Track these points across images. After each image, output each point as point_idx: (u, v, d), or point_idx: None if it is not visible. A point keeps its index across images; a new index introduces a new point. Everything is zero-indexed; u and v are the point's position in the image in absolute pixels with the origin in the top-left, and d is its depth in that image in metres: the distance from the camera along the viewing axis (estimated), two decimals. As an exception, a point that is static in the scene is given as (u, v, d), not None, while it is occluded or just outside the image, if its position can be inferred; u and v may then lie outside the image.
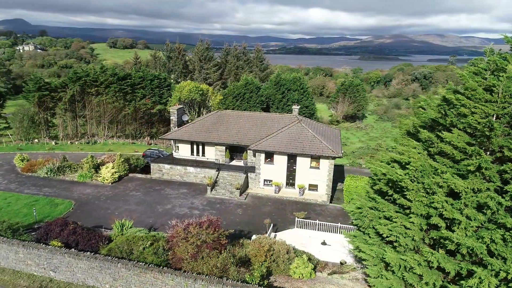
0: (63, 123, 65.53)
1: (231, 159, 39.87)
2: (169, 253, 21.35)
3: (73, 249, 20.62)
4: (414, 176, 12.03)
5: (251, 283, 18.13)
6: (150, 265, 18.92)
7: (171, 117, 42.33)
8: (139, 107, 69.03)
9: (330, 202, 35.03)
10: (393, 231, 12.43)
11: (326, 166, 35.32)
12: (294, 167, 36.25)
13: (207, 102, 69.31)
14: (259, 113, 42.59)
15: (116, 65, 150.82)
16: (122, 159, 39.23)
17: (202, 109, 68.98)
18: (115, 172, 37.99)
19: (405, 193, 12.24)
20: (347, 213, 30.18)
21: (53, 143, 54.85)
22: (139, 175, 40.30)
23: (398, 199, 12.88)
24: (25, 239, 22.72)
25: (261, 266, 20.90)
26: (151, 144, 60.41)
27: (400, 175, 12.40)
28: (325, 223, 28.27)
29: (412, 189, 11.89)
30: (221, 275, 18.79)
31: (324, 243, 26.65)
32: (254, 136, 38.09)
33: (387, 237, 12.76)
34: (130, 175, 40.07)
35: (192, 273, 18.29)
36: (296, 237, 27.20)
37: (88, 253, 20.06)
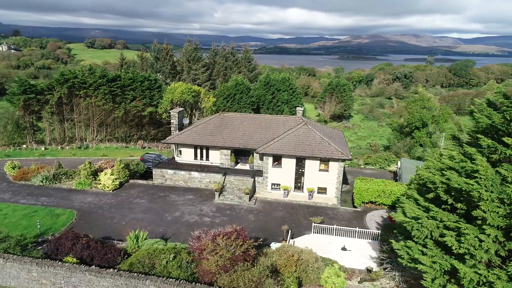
0: (50, 127, 62.76)
1: (236, 163, 38.89)
2: (193, 265, 20.30)
3: (93, 266, 19.23)
4: (485, 185, 11.55)
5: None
6: (182, 281, 17.84)
7: (171, 121, 40.97)
8: (130, 109, 66.91)
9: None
10: (465, 243, 11.92)
11: (336, 169, 34.89)
12: (303, 170, 35.64)
13: (199, 104, 67.93)
14: (263, 115, 41.77)
15: (101, 66, 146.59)
16: (123, 165, 37.62)
17: (194, 111, 67.57)
18: (116, 179, 36.38)
19: (477, 203, 11.71)
20: (358, 215, 29.98)
21: (43, 148, 52.30)
22: (140, 181, 38.78)
23: (462, 209, 12.37)
24: (35, 256, 21.13)
25: (290, 276, 20.14)
26: (145, 147, 58.58)
27: (469, 184, 11.88)
28: (344, 227, 27.78)
29: (487, 199, 11.40)
30: (256, 288, 17.91)
31: (344, 249, 26.14)
32: (260, 138, 37.26)
33: (455, 249, 12.23)
34: (131, 181, 38.51)
35: (228, 288, 17.33)
36: (314, 243, 26.52)
37: (111, 269, 18.74)
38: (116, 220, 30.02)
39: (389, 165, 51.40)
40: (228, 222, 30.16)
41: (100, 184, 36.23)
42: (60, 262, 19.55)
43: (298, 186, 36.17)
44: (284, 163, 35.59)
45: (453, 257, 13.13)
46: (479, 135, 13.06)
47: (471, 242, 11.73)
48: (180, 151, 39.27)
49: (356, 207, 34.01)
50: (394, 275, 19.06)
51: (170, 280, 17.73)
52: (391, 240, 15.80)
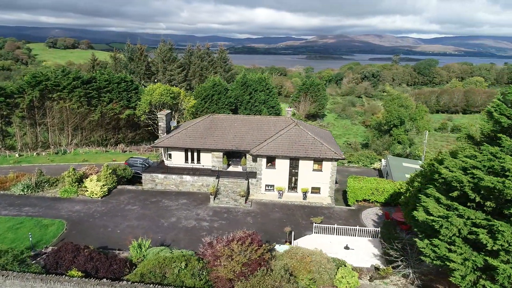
0: (21, 132, 59.42)
1: (228, 165, 38.42)
2: (205, 273, 19.79)
3: (104, 280, 18.29)
4: (517, 183, 11.99)
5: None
6: None
7: (159, 123, 39.87)
8: (107, 112, 64.58)
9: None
10: (500, 240, 12.31)
11: (329, 168, 35.28)
12: (296, 171, 35.76)
13: (179, 105, 66.71)
14: (253, 116, 41.55)
15: (65, 66, 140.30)
16: (110, 170, 36.18)
17: (174, 112, 66.26)
18: (104, 185, 34.93)
19: (508, 200, 12.12)
20: (354, 214, 30.32)
21: (17, 155, 49.35)
22: (129, 187, 37.46)
23: (490, 206, 12.79)
24: (34, 271, 19.83)
25: (304, 279, 20.10)
26: (126, 151, 56.72)
27: (500, 182, 12.27)
28: (346, 227, 28.10)
29: (522, 197, 11.83)
30: (275, 293, 17.71)
31: (347, 248, 26.44)
32: (252, 140, 37.02)
33: (490, 246, 12.61)
34: (119, 187, 37.11)
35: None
36: (317, 243, 26.57)
37: (124, 282, 17.90)
38: (110, 229, 28.80)
39: (371, 163, 52.61)
40: (227, 226, 29.80)
41: (87, 191, 34.66)
42: (65, 277, 18.44)
43: (292, 186, 36.26)
44: (278, 164, 35.55)
45: (482, 253, 13.60)
46: (500, 135, 13.55)
47: (508, 238, 12.15)
48: (170, 154, 38.30)
49: (350, 206, 34.52)
50: (409, 272, 19.47)
51: (190, 289, 17.19)
52: (415, 239, 16.07)
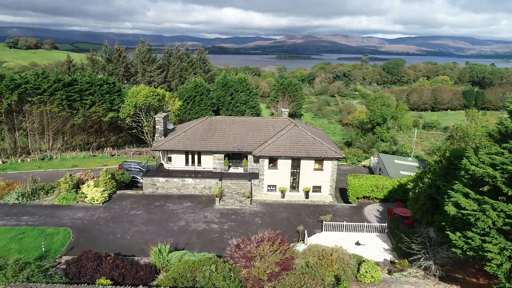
0: (-2, 138, 56.61)
1: (228, 166, 38.52)
2: (232, 274, 19.97)
3: (141, 286, 18.07)
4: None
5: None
6: None
7: (156, 126, 39.41)
8: (89, 115, 62.70)
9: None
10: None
11: (330, 167, 36.23)
12: (298, 171, 36.46)
13: (164, 107, 65.91)
14: (251, 117, 41.90)
15: (29, 67, 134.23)
16: (109, 175, 35.37)
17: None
18: (104, 191, 34.12)
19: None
20: (356, 211, 31.13)
21: (0, 162, 46.99)
22: (129, 192, 36.78)
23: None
24: (59, 281, 19.26)
25: (330, 275, 20.74)
26: (114, 155, 55.35)
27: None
28: (353, 223, 29.06)
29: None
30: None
31: (358, 244, 27.38)
32: (253, 141, 37.35)
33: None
34: (118, 192, 36.36)
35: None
36: (329, 240, 27.35)
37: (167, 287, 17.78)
38: (119, 235, 28.27)
39: (358, 161, 54.28)
40: (237, 227, 30.03)
41: (87, 197, 33.75)
42: (98, 286, 18.08)
43: (294, 186, 36.92)
44: (280, 165, 36.10)
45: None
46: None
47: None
48: (170, 157, 37.90)
49: (351, 203, 35.61)
50: (429, 264, 20.55)
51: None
52: (447, 232, 17.05)
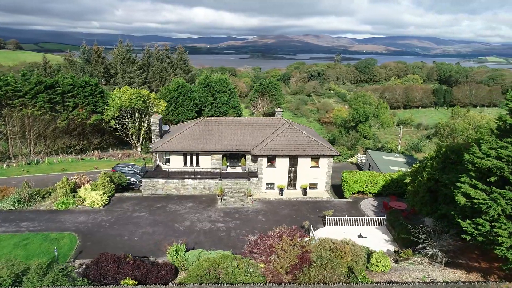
0: (-24, 143, 54.31)
1: (227, 166, 39.05)
2: (252, 269, 20.71)
3: (170, 284, 18.46)
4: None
5: (365, 283, 19.08)
6: (272, 285, 18.30)
7: (152, 128, 39.38)
8: (73, 118, 61.24)
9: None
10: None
11: (325, 165, 37.55)
12: (295, 168, 37.53)
13: (149, 109, 65.47)
14: (247, 118, 42.58)
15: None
16: (108, 178, 35.11)
17: (144, 116, 64.96)
18: (103, 194, 33.87)
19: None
20: (353, 205, 32.42)
21: (-16, 168, 45.26)
22: (128, 194, 36.62)
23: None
24: (82, 284, 19.33)
25: (343, 267, 21.85)
26: (102, 158, 54.45)
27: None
28: (354, 217, 30.43)
29: None
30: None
31: (360, 236, 28.73)
32: (250, 141, 38.09)
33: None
34: (117, 195, 36.15)
35: (319, 283, 18.37)
36: (332, 234, 28.53)
37: (192, 285, 18.25)
38: (126, 237, 28.29)
39: (344, 158, 56.16)
40: (242, 226, 30.71)
41: (86, 201, 33.40)
42: (126, 286, 18.33)
43: (292, 183, 37.97)
44: (278, 163, 37.04)
45: (523, 227, 16.38)
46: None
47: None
48: (168, 159, 37.99)
49: (346, 198, 37.05)
50: (435, 251, 22.08)
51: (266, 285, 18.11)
52: (458, 220, 18.50)
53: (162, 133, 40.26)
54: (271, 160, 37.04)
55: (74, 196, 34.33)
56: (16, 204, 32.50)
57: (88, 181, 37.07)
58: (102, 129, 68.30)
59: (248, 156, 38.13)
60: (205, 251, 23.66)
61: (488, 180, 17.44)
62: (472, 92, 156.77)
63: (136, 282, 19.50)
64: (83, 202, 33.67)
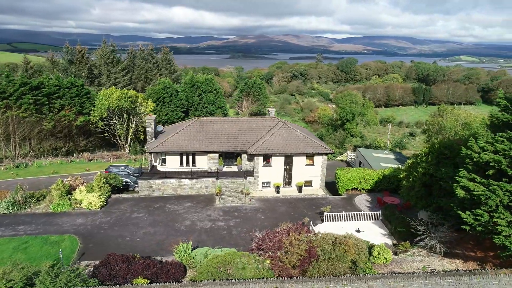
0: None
1: (222, 166, 39.36)
2: (260, 265, 21.20)
3: (185, 280, 18.73)
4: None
5: (372, 274, 19.88)
6: (285, 279, 18.83)
7: (147, 128, 39.30)
8: (59, 119, 60.15)
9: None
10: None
11: (320, 162, 38.41)
12: (291, 167, 38.22)
13: (137, 109, 65.01)
14: (241, 117, 43.02)
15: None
16: (104, 180, 34.87)
17: (131, 117, 64.45)
18: (100, 195, 33.65)
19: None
20: (348, 201, 33.34)
21: (-30, 171, 43.97)
22: (124, 195, 36.46)
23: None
24: (94, 285, 19.36)
25: (347, 260, 22.62)
26: (92, 160, 53.74)
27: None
28: (352, 213, 31.37)
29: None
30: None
31: (358, 231, 29.66)
32: (246, 140, 38.53)
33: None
34: (113, 196, 35.93)
35: (328, 276, 19.03)
36: (331, 229, 29.21)
37: (206, 281, 18.56)
38: (128, 238, 28.28)
39: (334, 156, 57.30)
40: (243, 224, 31.17)
41: (82, 203, 33.12)
42: (140, 285, 18.52)
43: (287, 181, 38.64)
44: (274, 162, 37.66)
45: (519, 216, 17.51)
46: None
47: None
48: (164, 159, 37.99)
49: (341, 194, 38.00)
50: (433, 243, 23.14)
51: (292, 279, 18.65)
52: (458, 212, 19.51)
53: (156, 134, 40.20)
54: (267, 158, 37.60)
55: (69, 199, 33.95)
56: (10, 208, 31.89)
57: (83, 183, 36.72)
58: (88, 131, 67.28)
59: (244, 155, 38.56)
60: (211, 249, 24.00)
61: (486, 173, 18.53)
62: (450, 90, 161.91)
63: (148, 281, 19.67)
64: (80, 204, 33.36)
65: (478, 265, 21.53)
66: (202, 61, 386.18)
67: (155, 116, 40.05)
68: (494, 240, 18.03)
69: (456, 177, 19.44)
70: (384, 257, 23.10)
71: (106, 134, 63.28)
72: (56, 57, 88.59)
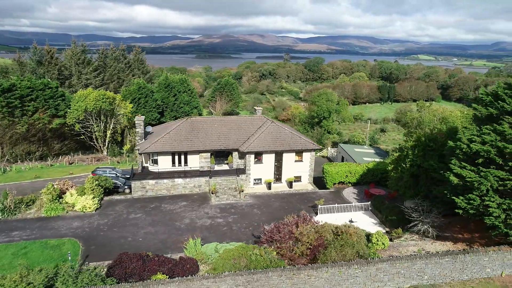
0: None
1: (214, 164, 39.96)
2: (269, 256, 22.27)
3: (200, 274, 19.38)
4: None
5: (379, 257, 21.49)
6: (301, 266, 19.95)
7: (137, 129, 39.12)
8: (33, 123, 58.09)
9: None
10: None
11: (308, 158, 39.96)
12: (281, 163, 39.49)
13: (115, 111, 64.06)
14: (230, 117, 43.74)
15: None
16: (96, 182, 34.52)
17: (109, 118, 63.46)
18: (94, 198, 33.34)
19: None
20: (336, 194, 34.97)
21: None
22: (117, 197, 36.22)
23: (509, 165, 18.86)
24: (112, 283, 19.59)
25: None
26: (72, 163, 52.41)
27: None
28: (344, 204, 33.10)
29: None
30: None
31: (351, 221, 31.32)
32: (236, 139, 39.37)
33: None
34: (105, 198, 35.60)
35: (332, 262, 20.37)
36: (325, 221, 30.79)
37: (227, 272, 19.31)
38: (130, 238, 28.37)
39: (316, 152, 59.27)
40: (241, 219, 32.05)
41: (75, 206, 32.69)
42: (153, 281, 19.04)
43: (277, 178, 39.88)
44: (265, 159, 38.76)
45: (507, 199, 19.60)
46: (507, 116, 19.67)
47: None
48: (156, 159, 38.05)
49: (329, 188, 39.75)
50: (426, 228, 25.19)
51: (290, 267, 19.69)
52: (453, 197, 21.45)
53: (145, 135, 40.14)
54: (258, 156, 38.64)
55: (60, 203, 33.36)
56: (0, 214, 30.91)
57: (72, 187, 36.10)
58: (63, 134, 65.32)
59: (235, 153, 39.39)
60: (220, 244, 24.74)
61: (476, 162, 20.63)
62: (412, 88, 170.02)
63: (167, 276, 20.18)
64: (73, 208, 32.89)
65: (466, 245, 23.75)
66: (168, 61, 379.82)
67: (143, 116, 39.88)
68: (485, 221, 20.14)
69: (450, 165, 21.42)
70: (382, 243, 24.87)
71: (83, 137, 61.85)
72: (23, 58, 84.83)
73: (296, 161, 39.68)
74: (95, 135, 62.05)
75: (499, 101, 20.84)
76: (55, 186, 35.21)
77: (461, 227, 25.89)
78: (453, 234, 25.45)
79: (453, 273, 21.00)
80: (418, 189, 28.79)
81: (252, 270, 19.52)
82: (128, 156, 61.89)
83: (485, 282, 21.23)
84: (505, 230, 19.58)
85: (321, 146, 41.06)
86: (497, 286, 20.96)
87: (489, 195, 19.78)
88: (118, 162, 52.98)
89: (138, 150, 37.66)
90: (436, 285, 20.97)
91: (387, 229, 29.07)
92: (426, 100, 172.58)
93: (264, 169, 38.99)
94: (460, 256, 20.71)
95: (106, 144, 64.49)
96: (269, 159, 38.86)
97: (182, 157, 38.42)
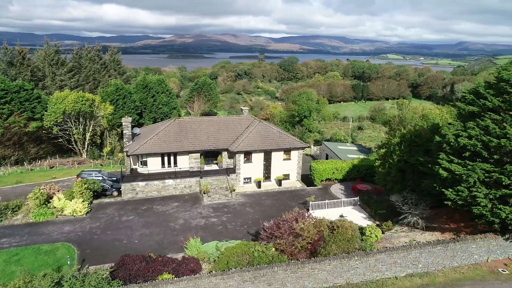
0: None
1: (204, 165, 40.10)
2: (269, 252, 22.86)
3: (212, 271, 19.66)
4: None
5: (376, 249, 22.50)
6: (305, 260, 20.59)
7: (124, 131, 38.67)
8: (9, 126, 56.06)
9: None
10: (505, 179, 19.76)
11: (296, 157, 40.84)
12: (269, 162, 40.15)
13: (95, 112, 62.88)
14: (217, 117, 43.96)
15: None
16: (85, 186, 33.94)
17: (88, 120, 62.25)
18: (83, 201, 32.80)
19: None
20: (324, 191, 35.89)
21: None
22: (107, 200, 35.73)
23: (493, 158, 20.34)
24: (118, 285, 19.57)
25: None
26: (53, 167, 50.97)
27: (506, 140, 19.62)
28: (334, 200, 34.14)
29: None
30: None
31: (342, 216, 32.35)
32: (225, 139, 39.69)
33: (505, 182, 19.97)
34: (95, 201, 35.06)
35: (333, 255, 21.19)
36: (318, 217, 31.78)
37: (233, 269, 19.70)
38: (125, 241, 28.18)
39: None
40: (235, 218, 32.45)
41: (65, 210, 32.06)
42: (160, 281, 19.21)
43: (267, 176, 40.51)
44: (254, 158, 39.30)
45: (492, 189, 21.05)
46: (489, 113, 21.17)
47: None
48: (145, 161, 37.76)
49: (316, 185, 40.77)
50: (415, 219, 26.52)
51: (294, 261, 20.32)
52: (442, 189, 22.73)
53: (133, 136, 39.76)
54: (247, 155, 39.12)
55: (48, 207, 32.60)
56: (-15, 221, 29.90)
57: (58, 191, 35.35)
58: (39, 137, 63.31)
59: (224, 153, 39.69)
60: (220, 242, 25.07)
61: (463, 155, 22.04)
62: (384, 86, 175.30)
63: (173, 276, 20.35)
64: (62, 212, 32.23)
65: (454, 234, 25.23)
66: (140, 61, 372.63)
67: (130, 118, 39.48)
68: (473, 211, 21.55)
69: (438, 160, 22.74)
70: (376, 235, 25.95)
71: (60, 140, 60.30)
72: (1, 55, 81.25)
73: (284, 159, 40.46)
74: (74, 138, 60.57)
75: (480, 99, 22.36)
76: (42, 190, 34.40)
77: (447, 218, 27.41)
78: (440, 225, 26.93)
79: (445, 261, 22.34)
80: (405, 183, 30.16)
81: (258, 266, 20.01)
82: (108, 158, 60.82)
83: (473, 267, 22.70)
84: (491, 218, 21.04)
85: (308, 145, 41.99)
86: (484, 271, 22.46)
87: (476, 187, 21.20)
88: (101, 165, 52.03)
89: (127, 152, 37.24)
90: (430, 273, 22.24)
91: (377, 223, 30.28)
92: (397, 98, 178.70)
93: (254, 168, 39.52)
94: (451, 244, 22.06)
95: (86, 147, 63.12)
96: (258, 158, 39.43)
97: (172, 158, 38.34)
